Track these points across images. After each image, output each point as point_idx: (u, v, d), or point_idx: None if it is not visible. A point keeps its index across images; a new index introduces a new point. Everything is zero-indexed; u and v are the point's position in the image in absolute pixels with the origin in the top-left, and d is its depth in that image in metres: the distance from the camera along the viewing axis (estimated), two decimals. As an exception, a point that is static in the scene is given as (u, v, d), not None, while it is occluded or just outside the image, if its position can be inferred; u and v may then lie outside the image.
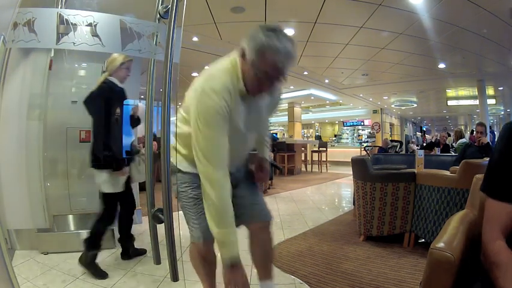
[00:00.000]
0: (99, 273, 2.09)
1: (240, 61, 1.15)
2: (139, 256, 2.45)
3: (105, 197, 2.21)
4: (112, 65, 2.19)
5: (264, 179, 1.52)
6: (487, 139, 3.95)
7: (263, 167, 1.51)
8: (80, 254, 2.16)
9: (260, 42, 1.07)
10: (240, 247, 1.30)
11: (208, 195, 1.12)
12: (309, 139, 15.28)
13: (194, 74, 8.34)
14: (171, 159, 1.28)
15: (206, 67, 1.28)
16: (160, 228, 1.26)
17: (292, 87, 10.12)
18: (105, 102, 2.09)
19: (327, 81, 9.24)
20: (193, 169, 1.25)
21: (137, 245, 2.53)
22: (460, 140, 5.57)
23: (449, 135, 8.43)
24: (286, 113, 13.03)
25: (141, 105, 2.40)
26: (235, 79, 1.15)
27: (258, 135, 1.47)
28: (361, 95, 11.72)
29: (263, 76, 1.10)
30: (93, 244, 2.15)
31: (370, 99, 12.48)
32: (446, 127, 17.67)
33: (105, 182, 2.19)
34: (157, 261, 1.30)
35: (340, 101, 13.26)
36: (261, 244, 1.49)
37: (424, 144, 10.91)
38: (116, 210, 2.29)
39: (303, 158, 9.64)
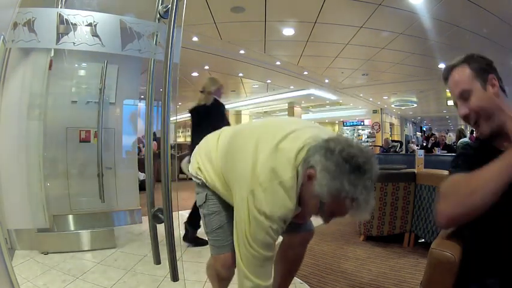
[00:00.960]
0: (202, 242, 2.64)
1: (302, 177, 0.95)
2: (201, 246, 2.65)
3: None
4: (213, 87, 2.75)
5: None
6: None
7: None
8: (80, 253, 2.17)
9: (341, 189, 0.85)
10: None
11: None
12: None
13: (194, 74, 8.35)
14: (203, 176, 1.23)
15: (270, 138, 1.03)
16: (160, 228, 1.26)
17: (292, 87, 10.12)
18: (220, 114, 2.73)
19: (327, 81, 9.24)
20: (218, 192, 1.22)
21: (138, 244, 2.53)
22: (462, 140, 5.58)
23: (432, 135, 8.55)
24: (286, 113, 13.04)
25: None
26: (293, 199, 0.96)
27: None
28: (361, 95, 11.72)
29: (326, 215, 0.95)
30: (194, 224, 2.67)
31: (370, 99, 12.48)
32: (432, 128, 17.55)
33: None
34: (157, 261, 1.30)
35: (340, 101, 13.27)
36: (294, 257, 1.41)
37: (424, 144, 10.93)
38: None
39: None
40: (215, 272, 1.33)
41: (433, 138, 7.85)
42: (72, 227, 2.75)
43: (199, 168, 1.26)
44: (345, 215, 0.93)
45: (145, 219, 3.32)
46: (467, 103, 0.88)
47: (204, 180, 1.23)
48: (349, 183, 0.84)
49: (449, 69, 0.92)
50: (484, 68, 0.89)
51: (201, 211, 1.29)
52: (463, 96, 0.88)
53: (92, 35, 2.32)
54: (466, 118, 0.90)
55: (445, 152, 6.18)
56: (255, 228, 0.96)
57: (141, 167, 3.71)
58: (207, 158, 1.23)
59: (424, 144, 8.28)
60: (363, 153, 0.88)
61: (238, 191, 1.02)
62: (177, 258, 1.16)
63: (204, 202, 1.27)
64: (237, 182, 1.03)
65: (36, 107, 2.62)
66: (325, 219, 0.97)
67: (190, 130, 2.85)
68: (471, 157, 0.92)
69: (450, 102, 11.54)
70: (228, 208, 1.21)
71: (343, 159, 0.86)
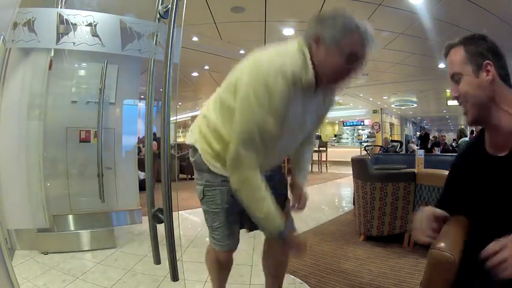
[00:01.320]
0: None
1: (312, 49, 1.02)
2: None
3: None
4: None
5: (302, 209, 1.35)
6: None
7: (301, 197, 1.34)
8: (80, 253, 2.17)
9: (348, 23, 0.98)
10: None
11: (236, 184, 1.06)
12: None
13: (194, 74, 8.35)
14: (202, 155, 1.22)
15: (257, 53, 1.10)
16: (160, 228, 1.26)
17: (292, 87, 10.10)
18: None
19: (327, 81, 9.23)
20: (224, 171, 1.19)
21: (138, 244, 2.54)
22: (462, 139, 5.59)
23: (426, 135, 8.55)
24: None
25: None
26: (303, 70, 1.01)
27: (301, 146, 1.33)
28: (361, 95, 11.72)
29: (346, 61, 1.00)
30: None
31: (370, 99, 12.48)
32: (431, 128, 17.50)
33: None
34: (157, 261, 1.30)
35: (340, 101, 13.26)
36: (278, 255, 1.42)
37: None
38: None
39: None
40: (215, 257, 1.35)
41: (433, 138, 7.83)
42: (72, 227, 2.74)
43: (200, 132, 1.24)
44: (364, 53, 1.03)
45: (145, 219, 3.32)
46: (458, 86, 0.88)
47: (200, 151, 1.22)
48: (350, 21, 0.99)
49: (448, 48, 0.93)
50: (480, 53, 0.86)
51: (203, 208, 1.30)
52: (454, 78, 0.89)
53: (92, 35, 2.32)
54: (457, 100, 0.91)
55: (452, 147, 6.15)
56: (265, 86, 0.97)
57: (141, 166, 3.72)
58: (211, 112, 1.22)
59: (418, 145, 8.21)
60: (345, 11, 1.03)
61: (245, 79, 1.02)
62: (177, 258, 1.16)
63: (202, 198, 1.28)
64: (241, 77, 1.04)
65: (36, 107, 2.62)
66: (347, 72, 1.04)
67: None
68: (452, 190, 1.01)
69: (450, 102, 11.55)
70: (227, 203, 1.23)
71: (336, 14, 1.02)
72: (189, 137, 1.30)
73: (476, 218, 0.94)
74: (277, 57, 1.01)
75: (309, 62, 1.02)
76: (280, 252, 1.41)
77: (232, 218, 1.27)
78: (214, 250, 1.33)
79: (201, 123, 1.25)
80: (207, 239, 1.36)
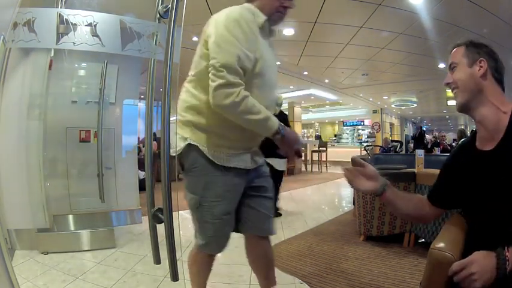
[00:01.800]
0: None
1: (252, 1, 1.24)
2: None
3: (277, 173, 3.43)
4: None
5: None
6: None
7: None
8: (80, 253, 2.17)
9: None
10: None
11: (233, 102, 1.09)
12: (309, 139, 15.29)
13: (194, 74, 8.36)
14: (202, 149, 1.21)
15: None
16: (160, 228, 1.26)
17: (292, 87, 10.11)
18: (283, 122, 3.26)
19: (327, 81, 9.24)
20: (229, 158, 1.20)
21: (138, 244, 2.54)
22: (462, 139, 5.58)
23: (421, 135, 8.59)
24: (286, 113, 13.03)
25: None
26: (256, 15, 1.21)
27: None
28: (361, 95, 11.72)
29: None
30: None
31: (370, 99, 12.48)
32: (421, 126, 17.60)
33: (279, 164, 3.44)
34: (157, 261, 1.30)
35: (340, 101, 13.26)
36: (262, 253, 1.43)
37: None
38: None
39: (302, 158, 9.64)
40: (201, 258, 1.35)
41: (433, 138, 7.80)
42: (72, 227, 2.74)
43: (187, 123, 1.23)
44: None
45: (145, 219, 3.31)
46: (452, 74, 0.99)
47: (199, 144, 1.21)
48: None
49: (454, 46, 1.03)
50: (478, 52, 0.95)
51: (194, 214, 1.28)
52: (451, 67, 1.00)
53: (92, 35, 2.32)
54: (449, 86, 1.01)
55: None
56: (230, 21, 1.14)
57: (141, 166, 3.71)
58: (191, 98, 1.28)
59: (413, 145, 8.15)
60: None
61: (212, 29, 1.17)
62: (177, 258, 1.16)
63: (198, 207, 1.25)
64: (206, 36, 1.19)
65: (36, 107, 2.62)
66: (290, 1, 1.30)
67: None
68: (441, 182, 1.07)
69: (450, 102, 11.55)
70: (227, 214, 1.23)
71: None
72: (179, 141, 1.24)
73: (472, 216, 0.97)
74: (232, 8, 1.17)
75: (257, 9, 1.22)
76: (262, 246, 1.41)
77: (228, 227, 1.27)
78: (201, 252, 1.32)
79: (188, 117, 1.23)
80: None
